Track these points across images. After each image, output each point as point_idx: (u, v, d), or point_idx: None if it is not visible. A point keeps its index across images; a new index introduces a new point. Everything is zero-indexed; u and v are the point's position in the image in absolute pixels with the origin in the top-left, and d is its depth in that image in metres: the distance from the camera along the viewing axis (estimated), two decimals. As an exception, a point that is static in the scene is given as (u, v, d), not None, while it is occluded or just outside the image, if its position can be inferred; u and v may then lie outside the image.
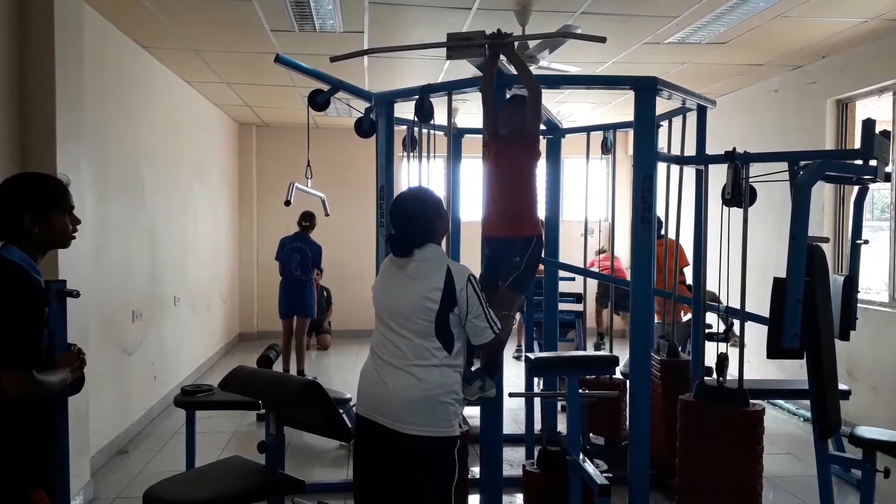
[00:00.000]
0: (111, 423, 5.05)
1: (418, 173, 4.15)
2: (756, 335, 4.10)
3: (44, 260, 2.15)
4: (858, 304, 4.12)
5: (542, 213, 9.41)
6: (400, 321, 2.53)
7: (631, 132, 3.85)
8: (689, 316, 5.12)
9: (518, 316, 8.08)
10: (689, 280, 5.21)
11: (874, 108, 5.93)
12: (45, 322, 2.09)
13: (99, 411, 4.61)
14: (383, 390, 2.51)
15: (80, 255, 3.96)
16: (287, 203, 6.74)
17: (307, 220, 7.25)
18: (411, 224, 2.57)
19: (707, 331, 4.77)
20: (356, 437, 2.66)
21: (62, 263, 3.65)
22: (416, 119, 3.67)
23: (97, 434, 4.61)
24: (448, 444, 2.50)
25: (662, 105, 3.74)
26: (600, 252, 8.28)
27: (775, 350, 3.15)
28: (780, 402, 6.26)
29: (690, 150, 4.41)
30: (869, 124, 3.37)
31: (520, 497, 4.04)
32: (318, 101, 3.96)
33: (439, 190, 4.10)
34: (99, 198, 4.80)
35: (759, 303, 3.93)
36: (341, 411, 2.77)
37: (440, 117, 3.73)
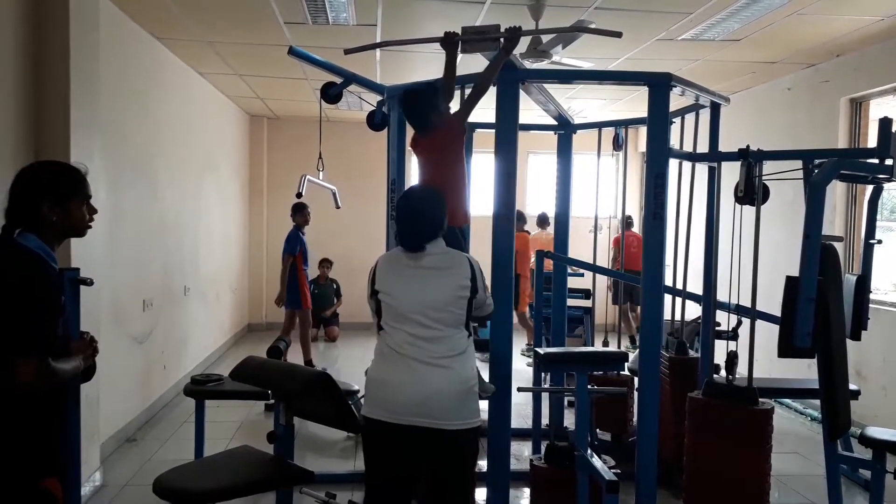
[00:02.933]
0: (121, 411, 5.09)
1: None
2: (765, 333, 4.08)
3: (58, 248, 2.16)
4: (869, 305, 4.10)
5: (539, 208, 9.38)
6: (430, 314, 2.51)
7: (641, 129, 3.84)
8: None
9: (528, 311, 8.12)
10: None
11: (888, 108, 5.89)
12: (61, 310, 2.10)
13: (109, 399, 4.64)
14: (422, 391, 2.47)
15: (94, 244, 3.99)
16: (298, 195, 6.78)
17: (291, 212, 7.10)
18: (425, 219, 2.59)
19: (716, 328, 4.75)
20: (380, 447, 2.55)
21: (75, 252, 3.67)
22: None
23: (107, 421, 4.64)
24: (478, 432, 2.60)
25: (675, 102, 3.73)
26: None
27: (787, 349, 3.14)
28: (787, 400, 6.24)
29: (702, 148, 4.40)
30: (886, 123, 3.35)
31: (527, 491, 4.05)
32: (331, 94, 3.97)
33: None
34: (112, 188, 4.82)
35: (770, 301, 3.92)
36: (350, 403, 2.78)
37: (452, 111, 3.73)
